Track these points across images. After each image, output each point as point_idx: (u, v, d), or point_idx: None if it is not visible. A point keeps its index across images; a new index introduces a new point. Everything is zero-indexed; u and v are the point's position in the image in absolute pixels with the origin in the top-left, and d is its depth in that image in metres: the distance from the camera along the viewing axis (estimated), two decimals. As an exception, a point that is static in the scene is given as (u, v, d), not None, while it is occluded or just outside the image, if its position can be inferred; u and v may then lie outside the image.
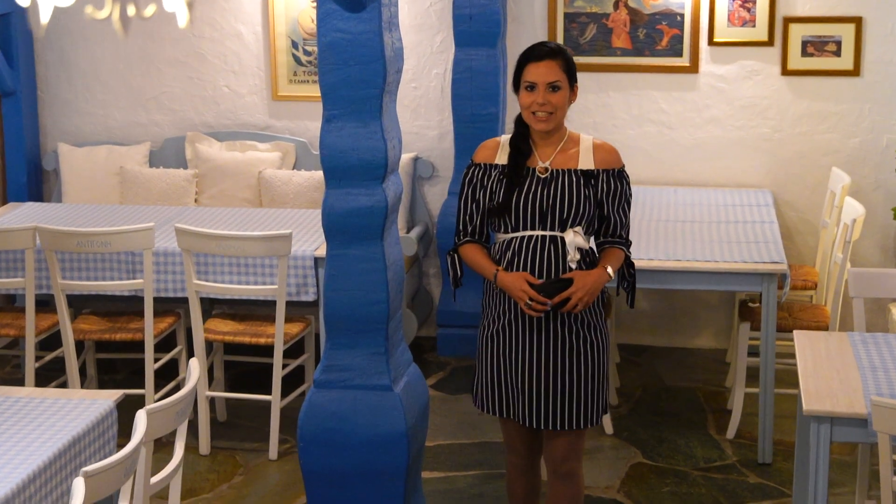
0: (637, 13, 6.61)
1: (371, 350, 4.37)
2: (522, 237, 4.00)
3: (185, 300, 5.60)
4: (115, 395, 3.89)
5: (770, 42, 6.51)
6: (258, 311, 6.00)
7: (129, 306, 6.02)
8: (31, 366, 5.54)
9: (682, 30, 6.59)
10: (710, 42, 6.56)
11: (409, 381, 4.50)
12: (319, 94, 4.22)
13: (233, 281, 5.56)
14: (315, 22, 6.06)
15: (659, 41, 6.62)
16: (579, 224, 4.00)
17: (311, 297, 5.58)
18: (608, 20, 6.64)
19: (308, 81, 6.90)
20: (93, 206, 6.45)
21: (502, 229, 4.05)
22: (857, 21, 6.42)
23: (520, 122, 4.07)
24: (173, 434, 3.67)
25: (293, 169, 6.82)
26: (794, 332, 4.42)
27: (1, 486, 3.22)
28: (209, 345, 5.71)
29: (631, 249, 4.14)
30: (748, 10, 6.48)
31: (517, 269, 3.98)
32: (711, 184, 6.70)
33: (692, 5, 6.53)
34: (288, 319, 5.53)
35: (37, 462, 3.38)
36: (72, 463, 3.54)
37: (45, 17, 3.33)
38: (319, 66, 4.17)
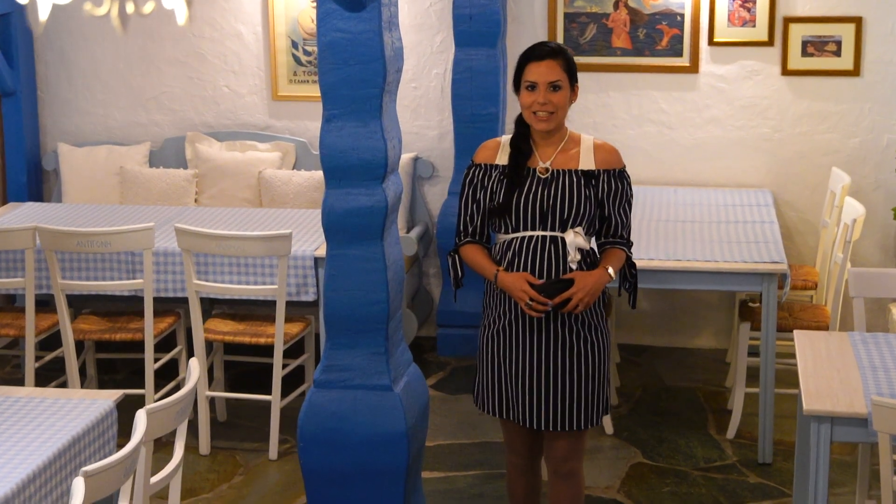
0: (637, 13, 6.61)
1: (371, 350, 4.37)
2: (523, 237, 4.00)
3: (185, 300, 5.60)
4: (114, 395, 3.89)
5: (770, 42, 6.51)
6: (258, 311, 6.00)
7: (129, 306, 6.02)
8: (30, 366, 5.54)
9: (682, 30, 6.58)
10: (711, 42, 6.56)
11: (409, 381, 4.50)
12: (319, 94, 4.21)
13: (233, 281, 5.56)
14: (315, 22, 6.06)
15: (659, 41, 6.62)
16: (580, 224, 3.99)
17: (311, 297, 5.58)
18: (608, 20, 6.64)
19: (308, 81, 6.90)
20: (93, 206, 6.45)
21: (503, 230, 4.05)
22: (857, 21, 6.41)
23: (520, 122, 4.07)
24: (173, 434, 3.67)
25: (293, 169, 6.82)
26: (795, 331, 4.42)
27: (1, 486, 3.22)
28: (209, 345, 5.71)
29: (632, 250, 4.14)
30: (748, 10, 6.48)
31: (518, 270, 3.98)
32: (711, 184, 6.70)
33: (692, 5, 6.53)
34: (288, 319, 5.53)
35: (37, 462, 3.38)
36: (72, 463, 3.54)
37: (43, 14, 3.33)
38: (319, 65, 4.16)
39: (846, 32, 6.43)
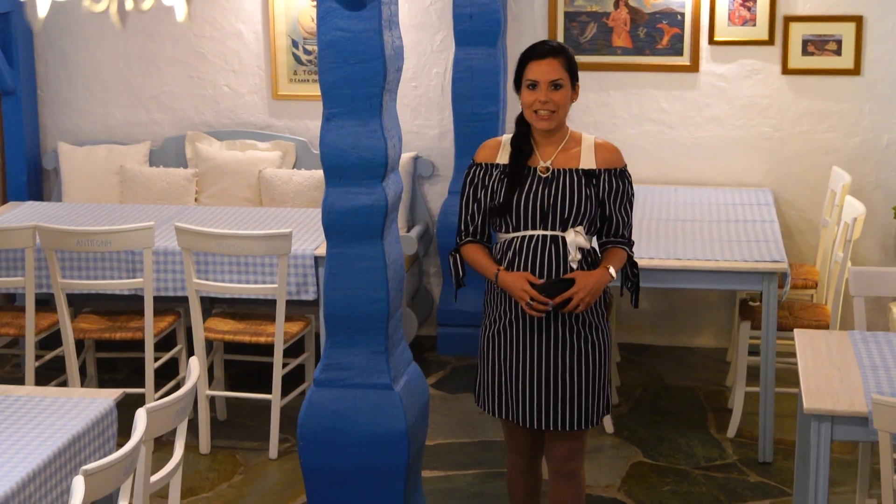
0: (637, 12, 6.60)
1: (371, 349, 4.37)
2: (523, 237, 4.00)
3: (185, 299, 5.60)
4: (114, 393, 3.89)
5: (770, 41, 6.51)
6: (258, 310, 6.00)
7: (129, 305, 6.02)
8: (31, 365, 5.54)
9: (682, 29, 6.58)
10: (711, 41, 6.56)
11: (409, 380, 4.50)
12: (319, 93, 4.21)
13: (233, 280, 5.56)
14: (315, 21, 6.06)
15: (659, 40, 6.62)
16: (581, 224, 3.99)
17: (311, 296, 5.58)
18: (608, 19, 6.64)
19: (308, 80, 6.90)
20: (93, 205, 6.45)
21: (503, 229, 4.04)
22: (858, 20, 6.41)
23: (521, 121, 4.06)
24: (173, 433, 3.66)
25: (293, 168, 6.82)
26: (795, 330, 4.41)
27: (1, 485, 3.22)
28: (209, 344, 5.71)
29: (633, 249, 4.13)
30: (749, 8, 6.48)
31: (518, 269, 3.98)
32: (712, 183, 6.70)
33: (693, 4, 6.52)
34: (288, 318, 5.53)
35: (37, 461, 3.38)
36: (72, 462, 3.54)
37: (42, 10, 3.32)
38: (319, 64, 4.16)
39: (846, 31, 6.42)
